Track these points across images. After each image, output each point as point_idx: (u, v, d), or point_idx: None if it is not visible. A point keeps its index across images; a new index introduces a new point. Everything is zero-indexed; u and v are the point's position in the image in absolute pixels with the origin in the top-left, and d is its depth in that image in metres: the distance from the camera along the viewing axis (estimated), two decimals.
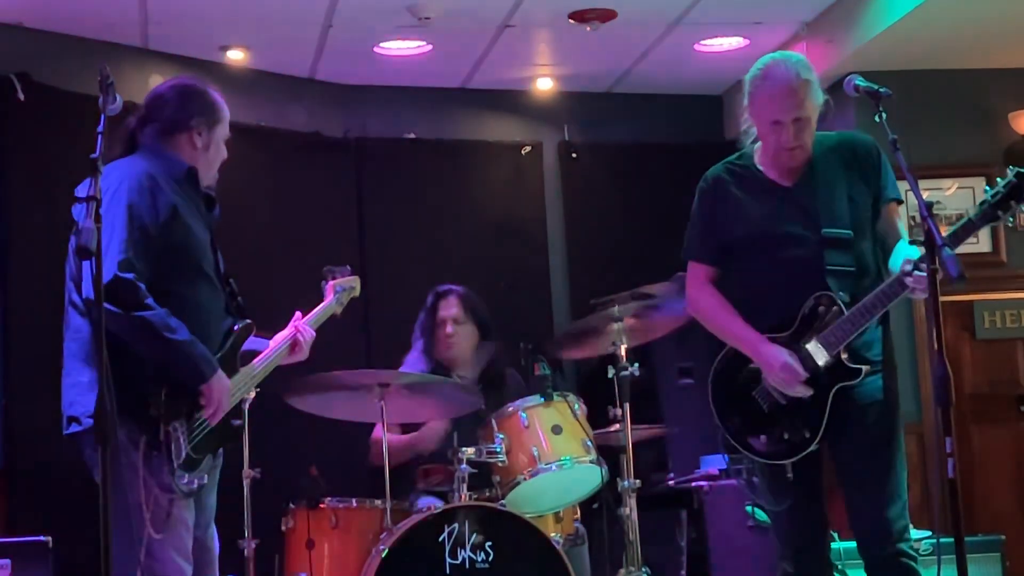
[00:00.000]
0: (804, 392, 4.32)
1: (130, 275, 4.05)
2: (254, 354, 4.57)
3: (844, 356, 4.33)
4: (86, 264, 3.89)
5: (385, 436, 5.45)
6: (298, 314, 4.82)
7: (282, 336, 4.70)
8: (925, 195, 3.93)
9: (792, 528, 4.50)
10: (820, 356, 4.32)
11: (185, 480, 4.17)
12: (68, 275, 4.28)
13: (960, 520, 3.80)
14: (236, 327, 4.41)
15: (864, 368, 4.34)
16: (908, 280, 4.14)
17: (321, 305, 4.99)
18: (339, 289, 5.08)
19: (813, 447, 4.37)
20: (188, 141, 4.43)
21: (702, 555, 6.99)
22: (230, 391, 4.26)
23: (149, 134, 4.42)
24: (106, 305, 3.85)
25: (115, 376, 3.88)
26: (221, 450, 4.41)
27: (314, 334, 4.77)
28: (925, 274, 4.03)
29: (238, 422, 4.45)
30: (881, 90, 4.13)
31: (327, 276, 5.14)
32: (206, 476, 4.29)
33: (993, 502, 8.05)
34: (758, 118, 4.43)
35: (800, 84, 4.35)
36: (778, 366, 4.34)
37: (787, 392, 4.34)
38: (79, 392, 4.14)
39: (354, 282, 5.17)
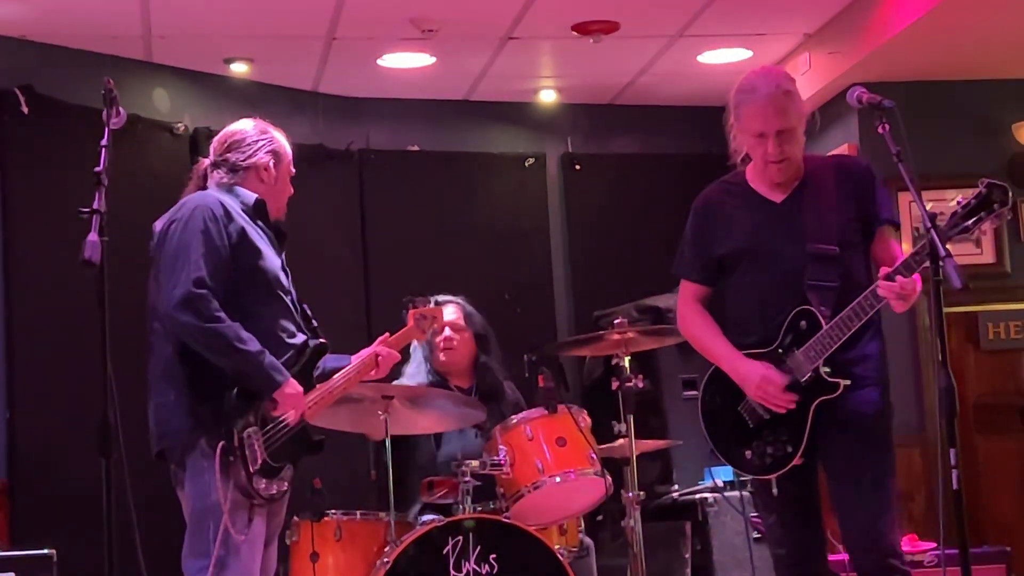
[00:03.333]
0: (789, 402, 4.32)
1: (203, 290, 4.32)
2: (333, 372, 4.79)
3: (825, 370, 4.32)
4: (162, 283, 4.38)
5: (388, 448, 5.44)
6: (386, 335, 4.99)
7: (365, 353, 4.88)
8: (928, 206, 3.93)
9: (782, 541, 4.49)
10: (801, 371, 4.32)
11: (263, 486, 4.38)
12: (150, 304, 4.56)
13: (965, 531, 3.80)
14: (311, 345, 4.64)
15: (842, 383, 4.31)
16: (879, 290, 4.14)
17: (402, 330, 5.11)
18: (420, 317, 5.17)
19: (795, 462, 4.35)
20: (256, 178, 4.70)
21: (706, 567, 6.99)
22: (304, 399, 4.49)
23: (220, 173, 4.70)
24: (182, 317, 4.29)
25: (194, 390, 4.36)
26: None
27: (397, 356, 4.98)
28: (895, 283, 4.05)
29: (320, 436, 4.70)
30: (884, 101, 4.12)
31: (407, 305, 5.24)
32: (286, 484, 4.52)
33: (998, 513, 8.04)
34: (744, 132, 4.44)
35: (781, 95, 4.36)
36: (756, 379, 4.34)
37: (773, 404, 4.34)
38: (166, 411, 4.42)
39: (436, 312, 5.27)
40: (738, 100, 4.43)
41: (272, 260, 4.60)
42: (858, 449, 4.35)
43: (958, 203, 4.14)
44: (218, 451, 4.28)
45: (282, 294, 4.61)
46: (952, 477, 3.76)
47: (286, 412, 4.42)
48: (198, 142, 7.60)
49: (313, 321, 4.79)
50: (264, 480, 4.38)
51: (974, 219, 4.10)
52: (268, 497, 4.41)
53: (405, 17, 7.32)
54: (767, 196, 4.49)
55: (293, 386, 4.43)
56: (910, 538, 6.35)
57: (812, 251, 4.36)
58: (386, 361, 4.90)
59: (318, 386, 4.67)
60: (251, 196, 4.65)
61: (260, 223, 4.64)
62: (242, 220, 4.52)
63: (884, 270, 4.17)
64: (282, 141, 4.81)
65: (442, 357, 6.29)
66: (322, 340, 4.72)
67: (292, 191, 4.85)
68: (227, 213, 4.48)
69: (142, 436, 4.42)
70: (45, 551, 5.78)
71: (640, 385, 5.82)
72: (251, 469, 4.32)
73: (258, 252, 4.52)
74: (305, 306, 4.79)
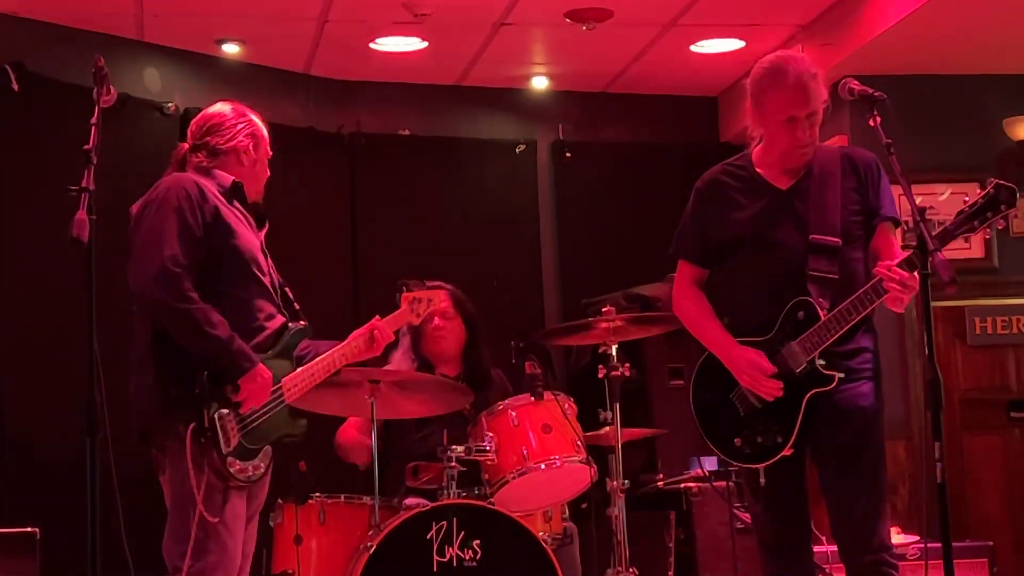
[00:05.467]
0: (774, 389, 4.31)
1: (178, 269, 4.30)
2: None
3: (820, 362, 4.31)
4: (136, 261, 4.37)
5: (375, 433, 5.44)
6: (376, 318, 4.95)
7: (356, 334, 4.85)
8: (918, 200, 3.93)
9: (770, 531, 4.48)
10: (796, 361, 4.31)
11: (238, 467, 4.36)
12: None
13: (948, 525, 3.80)
14: (291, 328, 4.64)
15: (837, 375, 4.31)
16: (881, 285, 4.13)
17: (394, 313, 5.08)
18: (414, 300, 5.14)
19: (785, 453, 4.35)
20: (236, 161, 4.70)
21: (690, 556, 7.00)
22: (271, 384, 4.44)
23: (200, 156, 4.68)
24: (155, 294, 4.28)
25: (170, 372, 4.32)
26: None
27: (391, 335, 4.95)
28: (896, 276, 4.04)
29: (303, 419, 4.68)
30: (875, 93, 4.12)
31: (401, 288, 5.22)
32: (263, 466, 4.49)
33: (982, 508, 8.06)
34: (770, 117, 4.38)
35: (810, 78, 4.31)
36: (744, 364, 4.34)
37: (758, 391, 4.34)
38: (145, 394, 4.39)
39: (431, 295, 5.24)
40: (764, 84, 4.37)
41: (249, 241, 4.58)
42: (852, 444, 4.34)
43: (964, 202, 4.14)
44: (188, 433, 4.25)
45: (260, 275, 4.59)
46: (936, 471, 3.76)
47: (245, 398, 4.36)
48: (188, 122, 7.54)
49: (295, 304, 4.77)
50: (239, 462, 4.36)
51: (980, 219, 4.09)
52: (244, 479, 4.39)
53: (397, 1, 7.30)
54: (772, 182, 4.47)
55: (261, 372, 4.38)
56: (895, 530, 6.36)
57: (814, 241, 4.35)
58: (380, 340, 4.87)
59: (300, 369, 4.65)
60: (228, 178, 4.64)
61: (238, 205, 4.63)
62: (217, 201, 4.51)
63: (885, 263, 4.14)
64: (259, 124, 4.80)
65: (431, 346, 6.28)
66: (303, 323, 4.71)
67: (268, 173, 4.84)
68: (202, 193, 4.47)
69: (128, 417, 4.41)
70: (29, 529, 5.77)
71: (627, 373, 5.82)
72: (223, 451, 4.29)
73: (233, 232, 4.51)
74: (287, 289, 4.78)
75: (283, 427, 4.57)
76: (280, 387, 4.53)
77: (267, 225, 4.78)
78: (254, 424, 4.41)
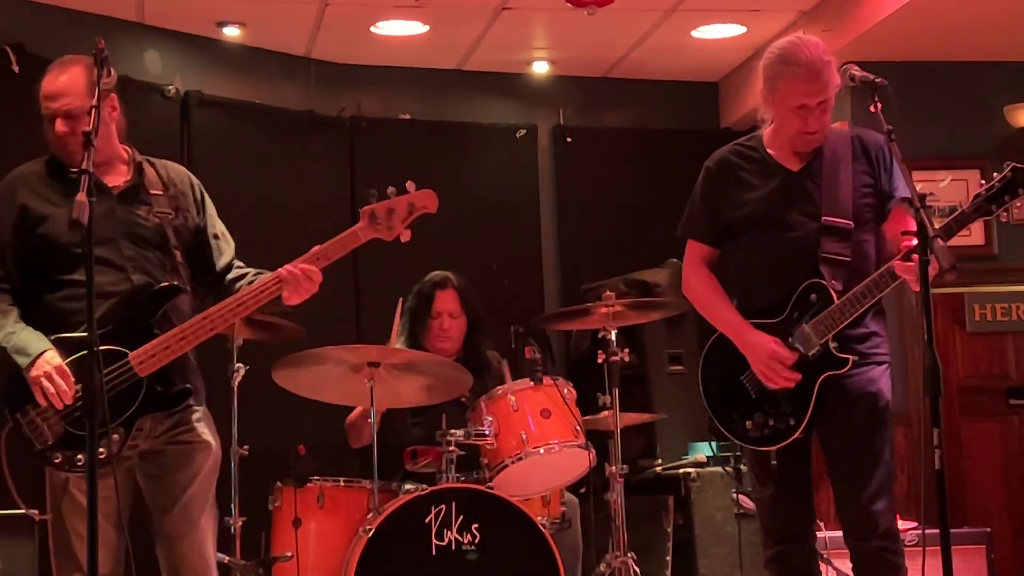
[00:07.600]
0: (791, 381, 4.31)
1: None
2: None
3: (833, 345, 4.31)
4: None
5: (374, 416, 5.44)
6: (316, 247, 4.42)
7: (264, 278, 4.40)
8: (919, 187, 3.92)
9: (775, 516, 4.49)
10: (809, 344, 4.31)
11: (60, 459, 4.18)
12: None
13: (946, 512, 3.80)
14: (146, 293, 4.29)
15: (851, 358, 4.31)
16: (898, 270, 4.12)
17: (344, 233, 4.49)
18: (375, 214, 4.57)
19: (797, 435, 4.35)
20: (45, 134, 4.45)
21: (688, 541, 7.01)
22: (62, 371, 4.15)
23: None
24: None
25: None
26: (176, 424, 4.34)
27: (312, 268, 4.33)
28: (912, 262, 4.02)
29: (184, 385, 4.29)
30: (877, 80, 4.11)
31: (370, 199, 4.60)
32: (104, 449, 4.15)
33: (981, 495, 8.07)
34: (782, 103, 4.38)
35: (824, 66, 4.31)
36: (764, 354, 4.33)
37: (775, 381, 4.33)
38: None
39: (413, 200, 4.63)
40: (777, 70, 4.36)
41: (61, 222, 4.22)
42: (861, 429, 4.36)
43: (980, 185, 4.14)
44: (3, 438, 4.20)
45: (77, 252, 4.15)
46: (935, 457, 3.76)
47: (37, 393, 4.14)
48: (189, 105, 7.59)
49: (179, 266, 4.38)
50: (64, 452, 4.16)
51: (997, 203, 4.09)
52: (78, 465, 4.16)
53: None
54: (784, 163, 4.46)
55: (38, 367, 4.12)
56: None
57: (826, 223, 4.35)
58: (297, 279, 4.32)
59: (163, 335, 4.23)
60: (42, 159, 4.47)
61: (57, 182, 4.39)
62: (29, 193, 4.34)
63: (905, 243, 4.13)
64: (40, 86, 4.54)
65: (436, 343, 6.25)
66: (166, 284, 4.28)
67: (58, 130, 4.43)
68: (10, 192, 4.35)
69: None
70: (27, 511, 5.77)
71: (626, 359, 5.82)
72: (36, 448, 4.17)
73: (42, 220, 4.28)
74: (177, 250, 4.39)
75: (152, 402, 4.25)
76: (127, 362, 4.19)
77: (120, 182, 4.45)
78: (80, 412, 4.12)
